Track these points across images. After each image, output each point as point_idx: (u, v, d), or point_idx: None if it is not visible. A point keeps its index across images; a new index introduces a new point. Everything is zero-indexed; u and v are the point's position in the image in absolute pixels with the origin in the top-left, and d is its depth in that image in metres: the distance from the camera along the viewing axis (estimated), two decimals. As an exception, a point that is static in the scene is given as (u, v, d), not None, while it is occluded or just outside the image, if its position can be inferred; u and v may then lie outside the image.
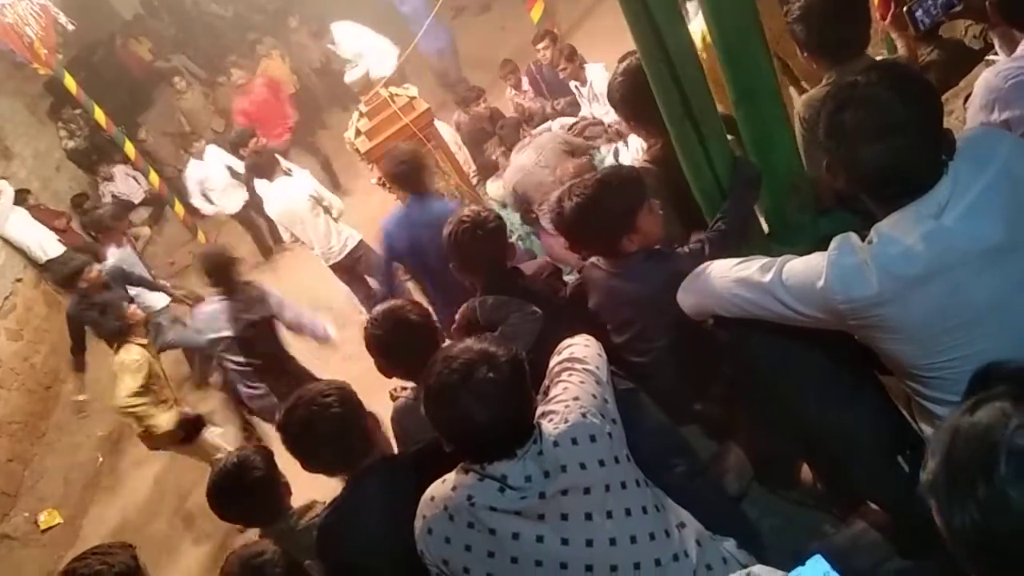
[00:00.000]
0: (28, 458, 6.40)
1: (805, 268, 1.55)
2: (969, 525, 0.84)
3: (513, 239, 3.74)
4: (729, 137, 2.21)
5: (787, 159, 2.20)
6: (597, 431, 1.55)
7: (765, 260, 1.67)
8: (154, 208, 9.23)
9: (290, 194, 5.01)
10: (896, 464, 1.75)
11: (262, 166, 5.27)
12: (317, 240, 5.01)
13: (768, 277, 1.61)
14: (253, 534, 2.47)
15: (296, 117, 8.40)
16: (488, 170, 5.99)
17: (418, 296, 3.95)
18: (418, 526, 1.61)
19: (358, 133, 4.82)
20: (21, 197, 7.31)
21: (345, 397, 1.97)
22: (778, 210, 2.28)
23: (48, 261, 7.04)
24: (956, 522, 0.85)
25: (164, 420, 4.19)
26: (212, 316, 4.05)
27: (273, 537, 2.24)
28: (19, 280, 7.26)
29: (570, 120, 5.67)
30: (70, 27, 6.75)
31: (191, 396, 5.63)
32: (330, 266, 5.13)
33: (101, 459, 6.19)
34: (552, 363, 1.78)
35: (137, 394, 4.07)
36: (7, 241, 7.16)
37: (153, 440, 4.39)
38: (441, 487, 1.60)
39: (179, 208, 8.31)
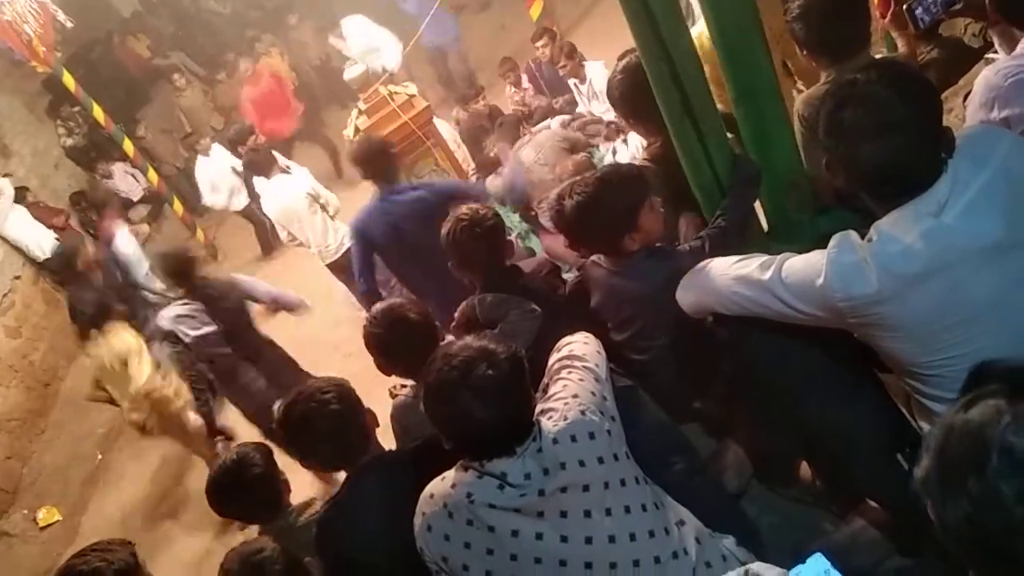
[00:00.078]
0: (27, 455, 6.40)
1: (805, 266, 1.55)
2: (962, 521, 0.85)
3: (512, 237, 3.74)
4: (728, 135, 2.22)
5: (787, 157, 2.20)
6: (596, 428, 1.55)
7: (765, 258, 1.67)
8: (153, 206, 9.23)
9: (288, 192, 5.00)
10: (895, 462, 1.75)
11: (259, 163, 5.25)
12: (314, 238, 5.00)
13: (768, 275, 1.61)
14: (252, 531, 2.47)
15: (302, 108, 8.47)
16: (487, 168, 5.98)
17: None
18: (417, 523, 1.61)
19: (357, 131, 4.82)
20: (20, 195, 7.32)
21: (344, 394, 1.97)
22: (778, 208, 2.28)
23: (46, 260, 7.05)
24: (949, 518, 0.86)
25: (180, 401, 4.19)
26: (188, 316, 3.93)
27: (272, 534, 2.25)
28: (17, 277, 7.26)
29: (568, 118, 5.68)
30: (68, 25, 6.75)
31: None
32: (327, 265, 5.11)
33: (100, 456, 6.18)
34: (551, 361, 1.78)
35: (155, 374, 4.08)
36: (5, 239, 7.16)
37: (162, 427, 4.41)
38: (440, 484, 1.60)
39: (178, 206, 8.31)
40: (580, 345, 1.78)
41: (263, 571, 1.97)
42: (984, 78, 2.07)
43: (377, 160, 3.69)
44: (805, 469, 2.18)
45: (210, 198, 7.28)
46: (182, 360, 4.15)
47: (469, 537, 1.54)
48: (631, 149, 3.41)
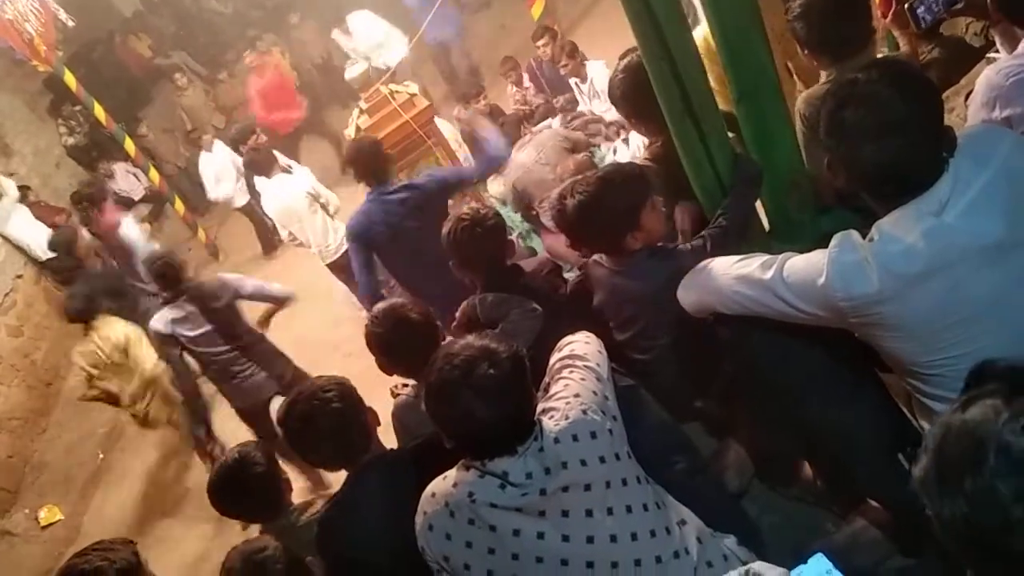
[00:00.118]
0: (28, 454, 6.41)
1: (806, 265, 1.55)
2: (959, 520, 0.85)
3: (513, 236, 3.73)
4: (730, 135, 2.22)
5: (788, 157, 2.20)
6: (598, 428, 1.55)
7: (766, 257, 1.67)
8: (154, 205, 9.23)
9: (288, 191, 5.00)
10: (897, 462, 1.75)
11: (260, 163, 5.26)
12: (314, 238, 5.00)
13: (769, 274, 1.61)
14: (254, 531, 2.47)
15: (305, 102, 8.54)
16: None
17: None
18: (419, 522, 1.61)
19: (358, 130, 4.81)
20: (21, 194, 7.32)
21: (345, 392, 1.97)
22: (779, 208, 2.28)
23: (48, 259, 7.06)
24: (946, 517, 0.86)
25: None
26: (183, 319, 3.91)
27: (274, 533, 2.24)
28: (19, 276, 7.27)
29: (569, 116, 5.67)
30: (70, 24, 6.76)
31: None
32: (327, 265, 5.11)
33: (101, 455, 6.19)
34: (552, 360, 1.78)
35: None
36: (7, 239, 7.17)
37: (161, 417, 4.43)
38: (442, 483, 1.60)
39: (179, 205, 8.31)
40: (581, 344, 1.78)
41: (265, 570, 1.96)
42: (986, 77, 2.07)
43: (369, 161, 3.69)
44: (806, 469, 2.18)
45: (215, 191, 7.31)
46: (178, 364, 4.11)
47: (471, 536, 1.54)
48: (632, 148, 3.41)
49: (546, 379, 1.74)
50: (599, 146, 4.98)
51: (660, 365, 2.24)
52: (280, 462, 2.48)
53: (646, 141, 2.57)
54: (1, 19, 6.20)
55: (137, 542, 2.09)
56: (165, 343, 3.87)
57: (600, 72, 5.52)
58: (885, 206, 1.48)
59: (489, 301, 2.33)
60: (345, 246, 4.96)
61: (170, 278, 3.90)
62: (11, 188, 7.16)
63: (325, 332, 5.58)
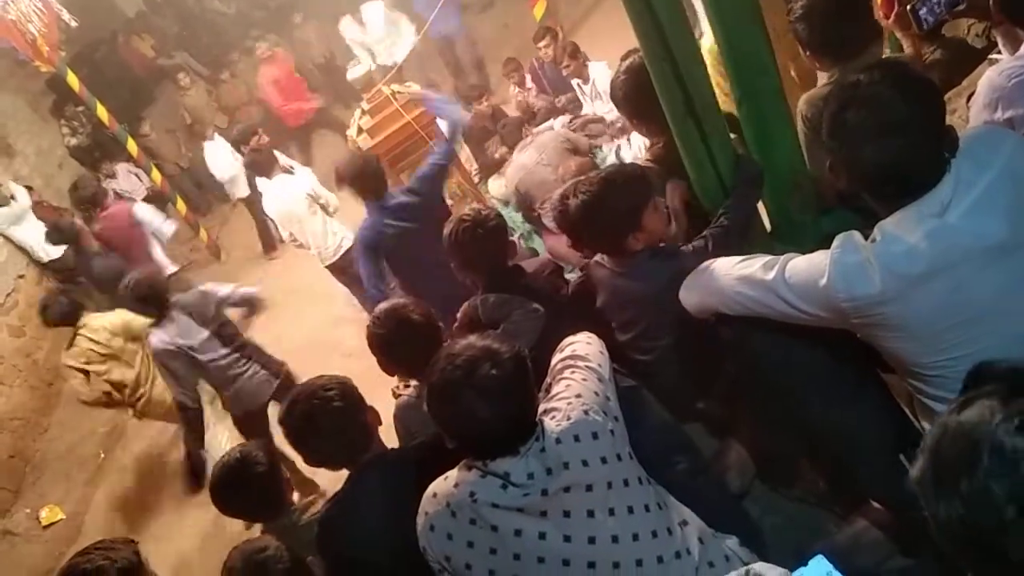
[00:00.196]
0: (30, 454, 6.41)
1: (808, 266, 1.55)
2: (955, 520, 0.85)
3: (515, 237, 3.74)
4: (732, 136, 2.22)
5: (789, 157, 2.20)
6: (599, 428, 1.55)
7: (768, 258, 1.67)
8: (156, 205, 9.21)
9: (289, 192, 5.00)
10: (898, 462, 1.75)
11: (261, 163, 5.25)
12: (313, 240, 5.00)
13: (771, 275, 1.61)
14: (255, 530, 2.47)
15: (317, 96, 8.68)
16: (490, 168, 5.99)
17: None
18: (420, 522, 1.62)
19: (360, 131, 4.82)
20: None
21: (346, 391, 1.98)
22: (781, 209, 2.28)
23: (50, 261, 7.07)
24: (942, 517, 0.87)
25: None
26: (185, 327, 3.86)
27: (276, 532, 2.25)
28: (21, 276, 7.27)
29: (570, 117, 5.68)
30: (73, 24, 6.75)
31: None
32: (326, 267, 5.12)
33: (103, 455, 6.19)
34: (554, 361, 1.78)
35: None
36: (9, 239, 7.18)
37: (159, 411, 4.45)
38: (443, 483, 1.60)
39: (181, 205, 8.31)
40: (583, 345, 1.78)
41: (266, 570, 1.97)
42: (988, 79, 2.07)
43: (369, 179, 3.74)
44: (808, 470, 2.18)
45: (225, 172, 7.42)
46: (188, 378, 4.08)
47: (472, 536, 1.54)
48: (634, 149, 3.41)
49: (548, 380, 1.74)
50: (601, 147, 4.99)
51: (662, 366, 2.25)
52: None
53: (647, 142, 2.57)
54: (4, 20, 6.21)
55: (138, 541, 2.09)
56: (173, 358, 3.77)
57: (602, 73, 5.52)
58: (887, 207, 1.48)
59: (491, 302, 2.33)
60: (344, 248, 4.98)
61: (153, 297, 3.82)
62: (21, 194, 7.18)
63: (326, 332, 5.58)
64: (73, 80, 7.24)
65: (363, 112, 4.93)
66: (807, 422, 1.84)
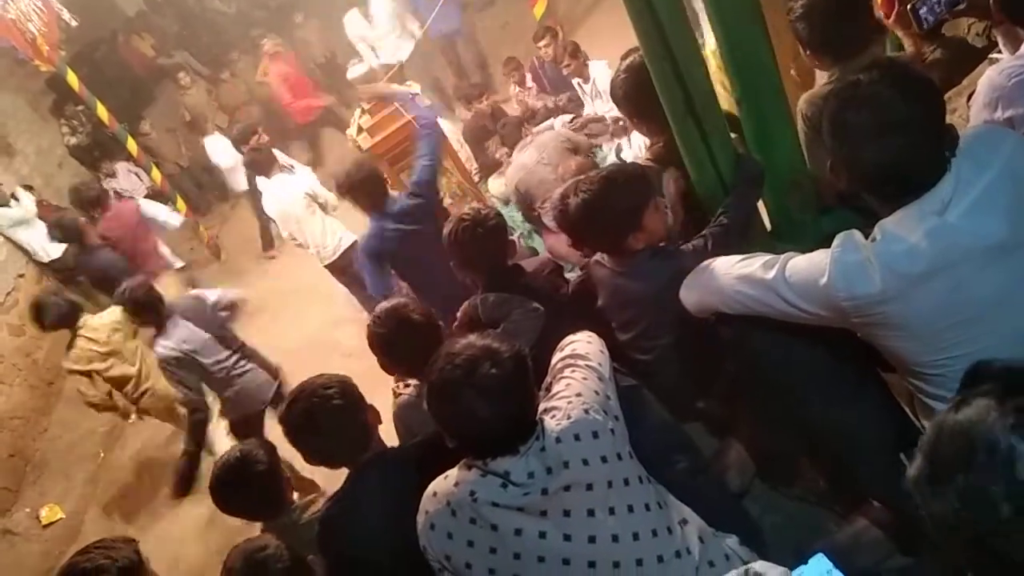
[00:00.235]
0: (30, 454, 6.41)
1: (808, 265, 1.55)
2: (951, 519, 0.86)
3: (514, 237, 3.74)
4: (732, 135, 2.22)
5: (789, 157, 2.20)
6: (599, 427, 1.55)
7: (768, 257, 1.67)
8: (156, 204, 9.24)
9: (288, 192, 5.00)
10: (899, 462, 1.75)
11: (261, 163, 5.26)
12: (312, 240, 5.00)
13: (771, 274, 1.61)
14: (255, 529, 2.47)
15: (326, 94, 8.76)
16: (490, 168, 5.99)
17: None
18: (421, 521, 1.62)
19: (360, 130, 4.82)
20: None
21: (346, 390, 1.98)
22: (781, 208, 2.28)
23: (51, 261, 7.07)
24: (938, 515, 0.87)
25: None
26: (188, 332, 3.84)
27: (276, 531, 2.25)
28: (21, 276, 7.27)
29: (570, 117, 5.67)
30: (73, 23, 6.75)
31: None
32: (325, 266, 5.12)
33: (102, 454, 6.19)
34: (554, 360, 1.78)
35: None
36: (11, 240, 7.18)
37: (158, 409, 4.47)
38: (444, 483, 1.60)
39: (181, 205, 8.30)
40: (583, 344, 1.78)
41: (267, 569, 1.97)
42: (988, 78, 2.07)
43: (371, 190, 3.74)
44: (808, 469, 2.18)
45: (225, 162, 7.52)
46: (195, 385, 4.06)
47: (472, 535, 1.54)
48: (634, 149, 3.41)
49: (548, 379, 1.74)
50: (601, 146, 4.99)
51: (662, 365, 2.25)
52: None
53: (648, 141, 2.57)
54: (4, 19, 6.20)
55: (138, 540, 2.09)
56: (180, 364, 3.71)
57: (602, 72, 5.52)
58: (887, 206, 1.49)
59: (491, 301, 2.33)
60: (343, 248, 4.99)
61: (149, 306, 3.78)
62: (27, 200, 7.20)
63: (326, 332, 5.58)
64: (73, 79, 7.24)
65: (363, 111, 4.93)
66: (807, 421, 1.84)
